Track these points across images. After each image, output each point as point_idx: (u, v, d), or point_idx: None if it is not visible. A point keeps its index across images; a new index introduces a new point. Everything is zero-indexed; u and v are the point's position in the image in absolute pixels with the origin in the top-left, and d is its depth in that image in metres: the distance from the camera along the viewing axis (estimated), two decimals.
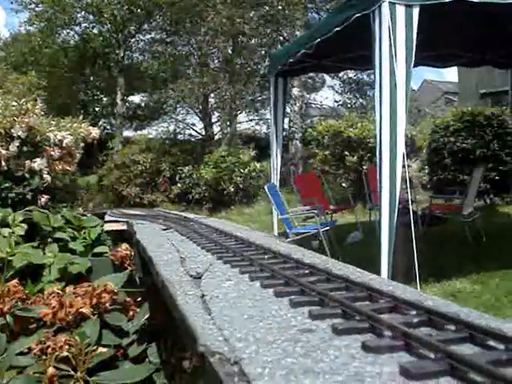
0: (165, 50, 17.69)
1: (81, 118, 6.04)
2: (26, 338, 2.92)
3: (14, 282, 3.31)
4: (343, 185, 11.00)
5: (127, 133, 21.09)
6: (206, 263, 1.84)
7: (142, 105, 21.82)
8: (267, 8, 15.14)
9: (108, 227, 4.55)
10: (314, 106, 19.44)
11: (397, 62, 3.97)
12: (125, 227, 4.24)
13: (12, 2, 18.66)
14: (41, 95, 9.19)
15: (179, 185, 14.19)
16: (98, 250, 4.21)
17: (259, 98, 18.14)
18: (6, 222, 4.05)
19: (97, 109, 23.23)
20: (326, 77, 18.19)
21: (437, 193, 9.11)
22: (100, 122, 22.31)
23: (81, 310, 2.95)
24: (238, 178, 12.91)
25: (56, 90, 18.87)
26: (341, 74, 17.13)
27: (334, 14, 5.24)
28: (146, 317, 3.05)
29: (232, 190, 12.86)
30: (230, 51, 16.85)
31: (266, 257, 1.85)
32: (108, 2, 17.79)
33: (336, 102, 18.90)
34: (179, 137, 18.06)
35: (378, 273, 3.77)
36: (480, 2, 4.07)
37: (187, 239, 2.56)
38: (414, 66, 4.18)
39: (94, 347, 2.79)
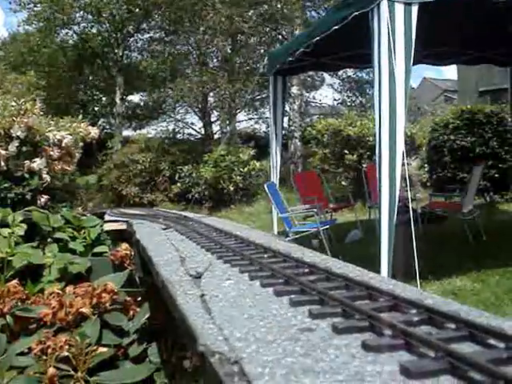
0: (164, 50, 17.69)
1: (80, 117, 6.04)
2: (27, 338, 2.92)
3: (14, 282, 3.31)
4: (343, 183, 11.00)
5: (126, 132, 21.14)
6: (205, 262, 1.84)
7: (141, 104, 21.80)
8: (266, 7, 15.15)
9: (108, 227, 4.55)
10: (313, 104, 19.46)
11: (396, 60, 3.97)
12: (124, 227, 4.23)
13: (10, 2, 18.66)
14: (40, 95, 9.20)
15: (179, 184, 14.19)
16: (97, 249, 4.21)
17: (258, 97, 18.16)
18: (6, 222, 4.05)
19: (96, 108, 23.22)
20: (326, 75, 18.22)
21: (436, 191, 9.12)
22: (99, 122, 22.30)
23: (81, 309, 2.95)
24: (238, 177, 12.91)
25: (55, 90, 18.89)
26: (340, 73, 17.14)
27: (332, 12, 5.23)
28: (146, 316, 3.05)
29: (232, 189, 12.86)
30: (228, 50, 16.85)
31: (265, 256, 1.85)
32: (107, 1, 17.77)
33: (335, 100, 18.93)
34: (178, 136, 18.07)
35: (378, 271, 3.77)
36: None
37: (187, 239, 2.56)
38: (414, 64, 4.18)
39: (95, 347, 2.79)
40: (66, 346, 2.69)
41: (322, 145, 11.87)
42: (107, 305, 3.04)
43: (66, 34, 20.09)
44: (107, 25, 19.09)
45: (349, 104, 17.91)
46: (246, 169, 13.06)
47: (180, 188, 14.13)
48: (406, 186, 5.06)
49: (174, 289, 1.45)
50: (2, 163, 4.77)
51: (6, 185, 4.71)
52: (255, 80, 11.85)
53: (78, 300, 3.02)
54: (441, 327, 1.00)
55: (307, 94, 18.49)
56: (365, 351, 0.91)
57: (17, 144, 4.85)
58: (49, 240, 4.14)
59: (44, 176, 4.91)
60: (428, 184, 10.84)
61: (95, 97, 23.29)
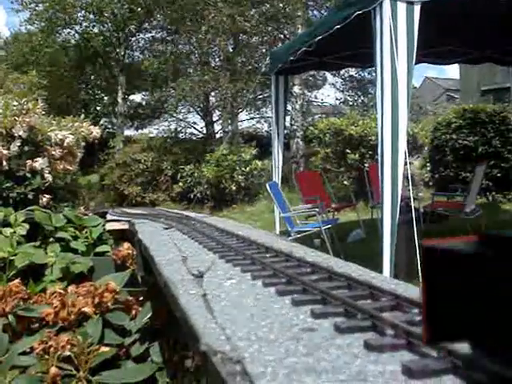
0: (165, 49, 17.71)
1: (82, 117, 6.05)
2: (29, 338, 2.92)
3: (16, 281, 3.31)
4: (345, 183, 10.99)
5: (128, 132, 21.17)
6: (207, 262, 1.84)
7: (143, 104, 21.80)
8: (268, 6, 15.15)
9: (110, 226, 4.56)
10: (315, 103, 19.41)
11: (398, 59, 3.96)
12: (126, 226, 4.24)
13: (12, 2, 18.72)
14: (42, 95, 9.19)
15: (180, 183, 14.19)
16: (99, 249, 4.21)
17: (260, 96, 18.14)
18: (8, 221, 4.05)
19: (98, 108, 23.26)
20: (328, 74, 18.17)
21: (439, 190, 9.10)
22: (101, 121, 22.28)
23: (83, 309, 2.96)
24: (240, 177, 12.90)
25: (57, 90, 18.88)
26: (342, 72, 17.10)
27: (334, 12, 5.22)
28: (148, 316, 3.05)
29: (234, 188, 12.85)
30: (230, 49, 16.86)
31: (267, 255, 1.85)
32: (108, 1, 17.81)
33: (337, 99, 18.87)
34: (180, 135, 18.06)
35: (380, 271, 3.77)
36: None
37: (189, 238, 2.56)
38: (416, 64, 4.17)
39: (97, 346, 2.79)
40: (68, 346, 2.70)
41: (324, 144, 11.86)
42: (109, 304, 3.04)
43: (68, 33, 20.16)
44: (109, 24, 19.12)
45: (351, 103, 17.88)
46: (247, 168, 13.05)
47: (182, 187, 14.13)
48: (408, 185, 5.04)
49: (176, 288, 1.45)
50: (4, 163, 4.77)
51: (8, 184, 4.71)
52: (257, 79, 11.85)
53: (80, 299, 3.02)
54: None
55: (309, 94, 18.46)
56: (367, 351, 0.91)
57: (19, 143, 4.86)
58: (51, 239, 4.15)
59: (46, 175, 4.92)
60: (430, 183, 10.82)
61: (97, 96, 23.34)
